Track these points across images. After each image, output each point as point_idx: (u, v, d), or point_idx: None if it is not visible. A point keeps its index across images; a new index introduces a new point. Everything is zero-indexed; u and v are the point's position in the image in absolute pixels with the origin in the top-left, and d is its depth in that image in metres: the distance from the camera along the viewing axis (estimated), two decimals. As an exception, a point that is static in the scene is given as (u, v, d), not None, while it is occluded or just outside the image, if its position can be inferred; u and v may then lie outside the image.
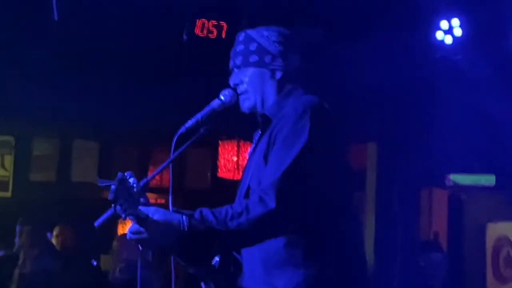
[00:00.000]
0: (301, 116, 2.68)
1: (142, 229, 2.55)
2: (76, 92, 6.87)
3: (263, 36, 2.88)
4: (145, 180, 2.74)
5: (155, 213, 2.57)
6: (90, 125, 8.16)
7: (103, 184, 2.53)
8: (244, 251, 2.82)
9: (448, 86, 6.29)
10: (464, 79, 6.27)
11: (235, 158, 8.33)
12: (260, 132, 2.91)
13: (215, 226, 2.56)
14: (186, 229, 2.56)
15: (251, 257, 2.80)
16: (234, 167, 8.33)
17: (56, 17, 5.58)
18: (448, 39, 6.23)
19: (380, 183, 6.98)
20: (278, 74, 2.87)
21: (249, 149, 3.03)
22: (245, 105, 2.92)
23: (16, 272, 5.50)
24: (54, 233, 7.20)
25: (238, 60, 2.91)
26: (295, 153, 2.63)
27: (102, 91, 6.96)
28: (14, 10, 5.96)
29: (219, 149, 8.48)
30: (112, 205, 2.50)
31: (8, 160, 8.80)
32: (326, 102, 2.79)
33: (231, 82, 2.94)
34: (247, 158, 3.04)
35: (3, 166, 8.77)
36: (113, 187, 2.47)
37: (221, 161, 8.46)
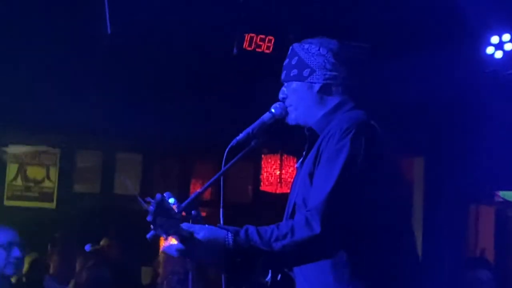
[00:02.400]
0: (345, 134, 2.65)
1: (186, 248, 2.55)
2: (121, 104, 6.91)
3: (304, 49, 2.88)
4: (196, 192, 2.77)
5: (199, 231, 2.57)
6: (134, 138, 8.20)
7: (142, 203, 2.54)
8: (294, 268, 2.80)
9: (498, 101, 6.22)
10: (514, 94, 6.20)
11: (277, 172, 8.31)
12: (308, 146, 2.89)
13: (260, 246, 2.55)
14: (231, 246, 2.55)
15: (299, 275, 2.78)
16: (277, 180, 8.31)
17: (109, 31, 5.63)
18: (499, 54, 6.18)
19: (427, 198, 6.91)
20: (316, 87, 2.84)
21: (298, 162, 3.01)
22: (289, 118, 2.92)
23: (72, 282, 5.54)
24: (102, 243, 7.26)
25: (283, 74, 2.93)
26: (337, 174, 2.59)
27: (148, 104, 7.00)
28: (67, 23, 6.03)
29: (262, 163, 8.47)
30: (151, 226, 2.51)
31: (53, 172, 8.88)
32: (375, 116, 2.76)
33: (279, 96, 2.94)
34: (296, 170, 3.02)
35: (48, 178, 8.86)
36: (151, 208, 2.49)
37: (264, 175, 8.45)
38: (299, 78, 2.86)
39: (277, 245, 2.54)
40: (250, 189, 9.56)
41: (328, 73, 2.84)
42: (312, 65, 2.85)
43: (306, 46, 2.88)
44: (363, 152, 2.62)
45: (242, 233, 2.57)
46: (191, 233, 2.55)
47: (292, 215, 2.80)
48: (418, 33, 6.08)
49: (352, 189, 2.60)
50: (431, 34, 6.05)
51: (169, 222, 2.52)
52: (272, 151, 8.37)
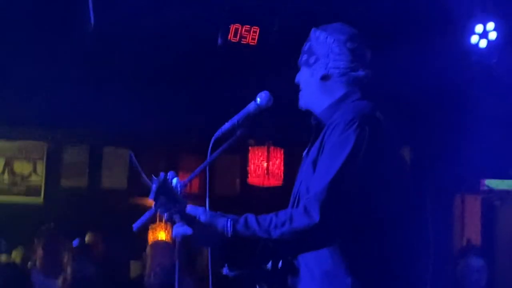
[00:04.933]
0: (349, 125, 2.65)
1: (188, 228, 2.56)
2: (108, 98, 6.90)
3: (315, 36, 2.91)
4: (183, 182, 2.76)
5: (202, 215, 2.59)
6: (121, 132, 8.18)
7: (147, 181, 2.55)
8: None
9: (483, 90, 6.23)
10: (499, 83, 6.21)
11: (265, 164, 8.29)
12: (313, 135, 2.91)
13: (258, 233, 2.57)
14: (230, 234, 2.57)
15: (301, 262, 2.79)
16: (264, 173, 8.30)
17: (92, 21, 5.60)
18: (483, 43, 6.19)
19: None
20: (318, 75, 2.88)
21: (304, 152, 3.01)
22: (300, 102, 2.96)
23: (61, 277, 5.54)
24: (86, 239, 7.24)
25: (299, 59, 2.97)
26: (339, 164, 2.60)
27: (134, 97, 6.98)
28: (50, 14, 6.00)
29: (249, 155, 8.45)
30: (153, 205, 2.51)
31: (40, 166, 8.86)
32: (381, 108, 2.77)
33: (296, 79, 2.99)
34: (302, 160, 3.00)
35: (35, 172, 8.83)
36: (154, 187, 2.48)
37: (251, 167, 8.43)
38: (307, 64, 2.91)
39: (275, 233, 2.56)
40: (238, 182, 9.55)
41: (332, 62, 2.84)
42: (317, 53, 2.87)
43: (318, 33, 2.90)
44: (366, 143, 2.63)
45: (241, 220, 2.59)
46: (194, 216, 2.56)
47: (297, 204, 2.80)
48: (403, 23, 6.08)
49: (353, 179, 2.60)
50: (415, 24, 6.05)
51: (173, 201, 2.52)
52: (259, 143, 8.36)
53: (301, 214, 2.57)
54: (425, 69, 6.18)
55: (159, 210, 2.53)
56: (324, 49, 2.86)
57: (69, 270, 5.43)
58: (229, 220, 2.58)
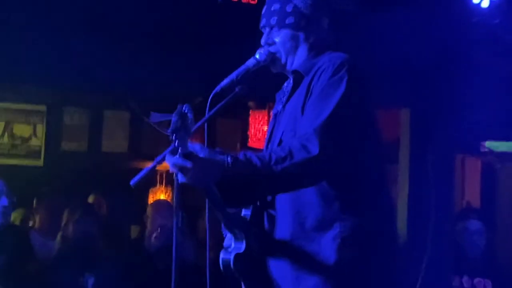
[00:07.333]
0: (340, 68, 2.72)
1: (187, 163, 2.53)
2: (108, 61, 6.85)
3: None
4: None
5: (200, 151, 2.60)
6: (121, 95, 8.14)
7: (163, 119, 2.57)
8: (278, 204, 2.83)
9: (485, 51, 6.20)
10: (501, 43, 6.17)
11: (265, 128, 8.30)
12: (289, 90, 2.95)
13: (259, 168, 2.57)
14: (230, 167, 2.56)
15: (285, 211, 2.81)
16: (265, 136, 8.29)
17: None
18: (485, 3, 6.15)
19: (413, 149, 6.89)
20: (311, 38, 2.91)
21: (276, 107, 3.03)
22: (275, 64, 2.95)
23: (59, 235, 5.56)
24: (89, 200, 7.26)
25: (273, 20, 2.92)
26: (334, 103, 2.66)
27: (134, 60, 6.93)
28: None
29: (250, 119, 8.45)
30: (172, 136, 2.52)
31: (40, 129, 8.85)
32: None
33: (263, 41, 2.96)
34: (274, 116, 3.06)
35: (35, 135, 8.83)
36: (174, 118, 2.50)
37: (252, 131, 8.44)
38: (296, 27, 2.90)
39: (277, 168, 2.58)
40: (238, 146, 9.55)
41: (320, 25, 2.92)
42: (309, 16, 2.89)
43: None
44: (356, 87, 2.71)
45: (241, 156, 2.61)
46: (192, 151, 2.57)
47: None
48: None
49: (348, 116, 2.68)
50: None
51: (186, 135, 2.54)
52: (260, 106, 8.33)
53: (299, 149, 2.59)
54: (426, 30, 6.14)
55: (176, 142, 2.51)
56: (317, 11, 2.91)
57: (70, 228, 5.44)
58: (229, 155, 2.60)
